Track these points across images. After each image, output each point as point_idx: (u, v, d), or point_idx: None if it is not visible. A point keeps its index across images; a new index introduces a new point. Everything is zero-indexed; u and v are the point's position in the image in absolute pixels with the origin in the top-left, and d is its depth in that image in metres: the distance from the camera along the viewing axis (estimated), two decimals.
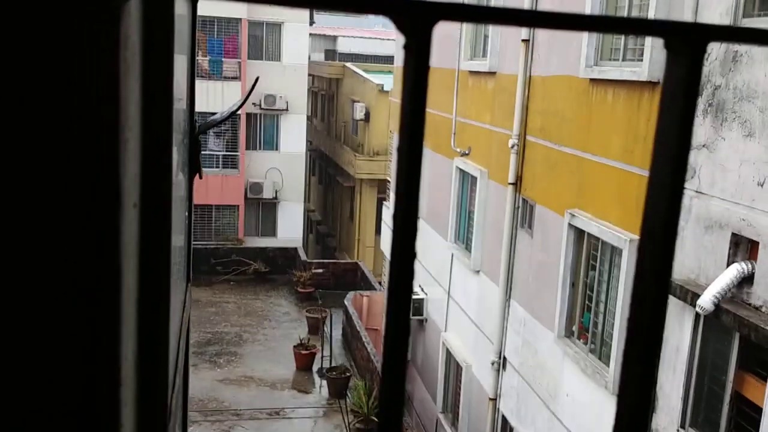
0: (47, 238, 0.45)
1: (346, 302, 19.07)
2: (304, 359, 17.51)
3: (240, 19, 25.29)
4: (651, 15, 7.29)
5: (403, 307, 0.47)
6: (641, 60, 7.55)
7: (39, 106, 0.41)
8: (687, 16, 6.75)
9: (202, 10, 24.31)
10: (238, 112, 25.10)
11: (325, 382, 16.68)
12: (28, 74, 0.41)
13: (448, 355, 13.16)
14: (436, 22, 0.45)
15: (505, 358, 10.85)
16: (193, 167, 1.63)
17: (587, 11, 8.49)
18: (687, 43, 0.48)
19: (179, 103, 1.42)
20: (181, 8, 1.28)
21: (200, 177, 1.71)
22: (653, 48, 7.23)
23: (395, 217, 0.48)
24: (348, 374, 16.56)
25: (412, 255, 0.49)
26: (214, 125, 2.15)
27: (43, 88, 0.42)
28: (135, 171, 0.58)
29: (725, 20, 6.31)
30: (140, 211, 0.61)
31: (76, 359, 0.47)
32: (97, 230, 0.45)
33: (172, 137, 0.76)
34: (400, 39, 0.47)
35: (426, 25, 0.45)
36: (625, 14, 8.03)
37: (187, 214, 1.65)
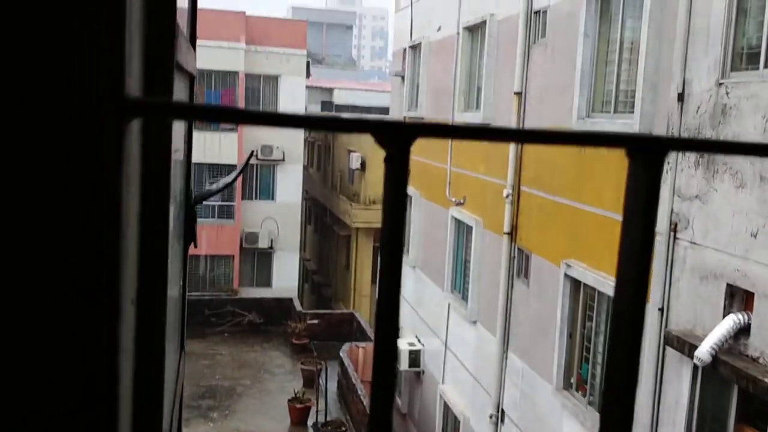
0: (45, 338, 0.47)
1: (341, 354, 18.88)
2: (298, 413, 17.23)
3: (237, 72, 25.67)
4: (641, 69, 7.43)
5: (390, 360, 0.48)
6: (632, 112, 7.67)
7: (43, 231, 0.43)
8: (676, 70, 6.89)
9: (200, 63, 24.71)
10: (233, 161, 25.28)
11: None
12: (34, 194, 0.43)
13: (446, 407, 12.98)
14: (413, 140, 0.48)
15: (503, 410, 10.72)
16: (189, 237, 1.65)
17: (578, 68, 8.66)
18: (647, 153, 0.51)
19: (177, 173, 1.45)
20: (178, 89, 1.32)
21: (195, 246, 1.73)
22: (644, 101, 7.36)
23: (376, 331, 0.50)
24: (344, 429, 16.28)
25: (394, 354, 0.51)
26: (209, 196, 2.18)
27: (43, 209, 0.44)
28: (132, 270, 0.60)
29: (713, 74, 6.43)
30: (137, 306, 0.63)
31: None
32: (96, 329, 0.47)
33: (169, 238, 0.78)
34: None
35: (404, 142, 0.48)
36: (615, 69, 8.19)
37: (181, 283, 1.66)
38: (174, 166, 1.39)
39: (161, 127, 0.69)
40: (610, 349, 0.56)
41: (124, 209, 0.47)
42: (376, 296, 0.53)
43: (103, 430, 0.49)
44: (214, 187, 2.55)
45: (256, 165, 26.67)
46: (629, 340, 0.54)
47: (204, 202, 25.77)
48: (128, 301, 0.59)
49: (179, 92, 1.22)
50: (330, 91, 34.58)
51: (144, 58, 0.70)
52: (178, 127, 1.48)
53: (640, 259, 0.52)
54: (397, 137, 0.48)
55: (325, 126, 0.50)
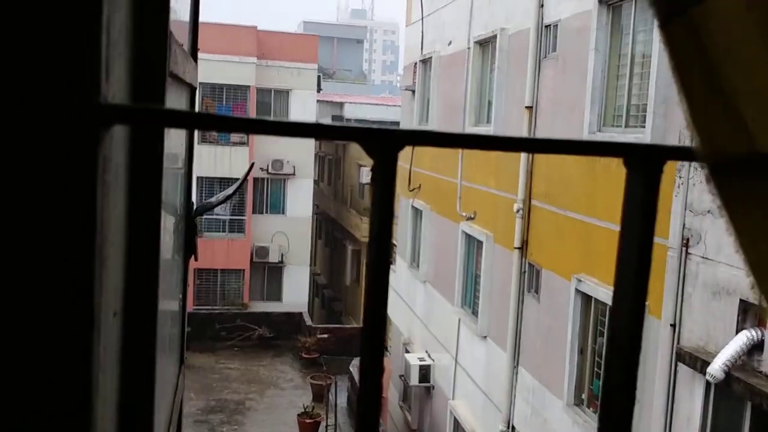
0: (15, 351, 0.45)
1: (351, 369, 18.81)
2: (308, 428, 17.16)
3: (248, 86, 25.83)
4: (652, 83, 7.41)
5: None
6: (644, 126, 7.64)
7: (13, 239, 0.42)
8: None
9: (212, 77, 24.88)
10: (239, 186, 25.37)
11: None
12: (3, 200, 0.42)
13: (456, 423, 12.88)
14: (401, 148, 0.47)
15: (513, 427, 10.61)
16: (189, 250, 1.64)
17: (589, 82, 8.64)
18: (645, 162, 0.50)
19: (177, 184, 1.44)
20: (177, 100, 1.32)
21: (195, 259, 1.71)
22: (655, 114, 7.33)
23: (363, 330, 0.49)
24: None
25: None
26: (210, 209, 2.18)
27: (13, 217, 0.43)
28: (117, 281, 0.59)
29: None
30: (122, 318, 0.61)
31: None
32: (70, 340, 0.45)
33: (159, 248, 0.76)
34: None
35: (392, 149, 0.47)
36: (626, 83, 8.17)
37: (181, 296, 1.65)
38: (174, 178, 1.39)
39: (150, 136, 0.68)
40: (606, 362, 0.54)
41: (101, 218, 0.46)
42: (363, 308, 0.52)
43: None
44: (214, 199, 2.56)
45: (267, 179, 26.77)
46: (627, 353, 0.52)
47: (215, 217, 25.90)
48: (110, 314, 0.58)
49: (176, 102, 1.22)
50: (341, 105, 34.73)
51: (133, 67, 0.69)
52: (179, 140, 1.47)
53: (638, 270, 0.50)
54: (384, 145, 0.47)
55: (311, 133, 0.48)
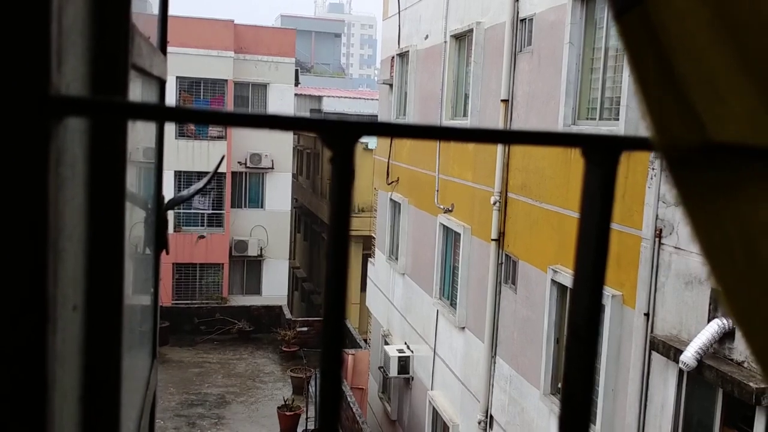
0: None
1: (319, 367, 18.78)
2: (288, 421, 17.16)
3: (226, 80, 25.65)
4: (626, 76, 7.48)
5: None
6: (617, 119, 7.72)
7: None
8: None
9: (189, 71, 24.67)
10: (222, 168, 25.20)
11: None
12: None
13: (435, 414, 12.96)
14: (357, 138, 0.49)
15: (491, 416, 10.71)
16: (160, 243, 1.64)
17: (563, 76, 8.71)
18: (602, 152, 0.51)
19: (147, 177, 1.44)
20: (147, 95, 1.32)
21: (167, 253, 1.72)
22: (629, 107, 7.41)
23: (325, 309, 0.50)
24: None
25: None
26: (181, 202, 2.17)
27: None
28: (76, 274, 0.59)
29: None
30: (84, 312, 0.62)
31: None
32: (23, 336, 0.46)
33: (123, 240, 0.77)
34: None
35: (348, 140, 0.48)
36: (600, 77, 8.25)
37: (153, 290, 1.65)
38: (142, 171, 1.39)
39: (110, 128, 0.68)
40: (567, 346, 0.56)
41: (56, 211, 0.47)
42: (323, 300, 0.53)
43: None
44: (185, 193, 2.55)
45: (246, 173, 26.64)
46: (585, 337, 0.53)
47: (193, 211, 25.72)
48: (69, 307, 0.58)
49: (143, 95, 1.22)
50: (319, 99, 34.61)
51: (91, 58, 0.69)
52: (148, 133, 1.47)
53: (596, 257, 0.52)
54: (340, 136, 0.48)
55: (269, 124, 0.49)
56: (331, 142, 0.47)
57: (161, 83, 1.54)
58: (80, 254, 0.61)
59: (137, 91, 1.09)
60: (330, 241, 0.49)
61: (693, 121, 0.47)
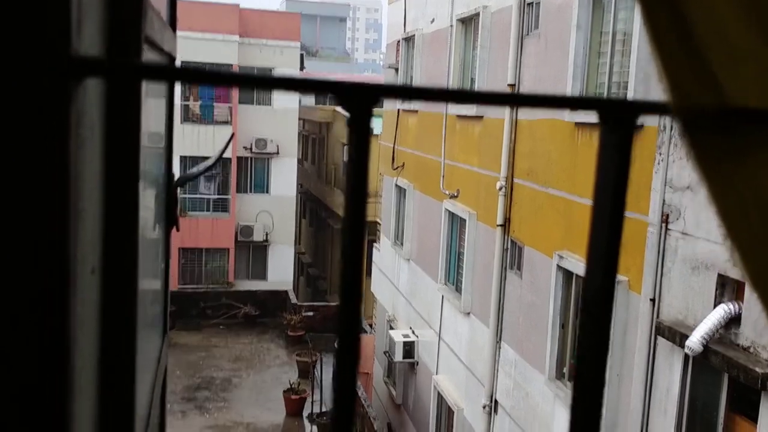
0: None
1: (336, 345, 18.86)
2: (294, 404, 17.27)
3: (231, 65, 25.59)
4: (633, 60, 7.43)
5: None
6: None
7: None
8: None
9: (195, 56, 24.63)
10: (227, 154, 25.21)
11: (315, 428, 16.42)
12: None
13: (440, 398, 13.02)
14: (375, 101, 0.48)
15: (496, 401, 10.75)
16: (170, 220, 1.65)
17: (570, 59, 8.66)
18: (619, 117, 0.51)
19: (157, 157, 1.45)
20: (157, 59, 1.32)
21: (177, 230, 1.73)
22: (636, 91, 7.37)
23: (341, 280, 0.50)
24: None
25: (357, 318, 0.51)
26: (190, 179, 2.18)
27: None
28: (94, 237, 0.60)
29: None
30: (101, 275, 0.62)
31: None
32: (44, 296, 0.46)
33: (138, 198, 0.77)
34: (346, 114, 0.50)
35: (366, 103, 0.48)
36: (608, 61, 8.20)
37: (164, 266, 1.66)
38: (153, 148, 1.39)
39: (126, 91, 0.68)
40: (582, 321, 0.55)
41: (76, 171, 0.47)
42: (339, 279, 0.52)
43: (56, 399, 0.49)
44: (195, 170, 2.56)
45: (251, 158, 26.64)
46: (600, 309, 0.53)
47: (199, 196, 25.76)
48: (87, 269, 0.59)
49: None
50: None
51: (106, 28, 0.69)
52: (159, 111, 1.47)
53: (612, 224, 0.51)
54: (358, 99, 0.48)
55: (285, 86, 0.49)
56: (349, 105, 0.47)
57: (171, 60, 1.54)
58: (98, 216, 0.62)
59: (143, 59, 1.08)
60: (348, 205, 0.49)
61: (710, 84, 0.47)
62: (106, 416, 0.70)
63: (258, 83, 0.47)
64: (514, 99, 0.52)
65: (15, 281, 0.46)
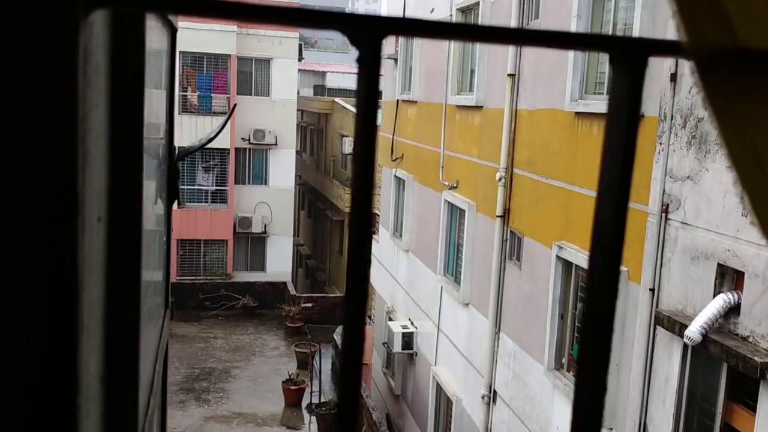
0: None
1: (335, 337, 18.93)
2: (293, 395, 17.31)
3: (229, 55, 25.52)
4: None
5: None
6: None
7: None
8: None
9: (192, 46, 24.55)
10: (226, 145, 25.17)
11: (314, 418, 16.46)
12: None
13: (438, 389, 13.04)
14: (385, 36, 0.47)
15: (495, 391, 10.77)
16: (172, 194, 1.64)
17: (570, 55, 8.62)
18: (630, 57, 0.50)
19: (158, 130, 1.43)
20: (159, 41, 1.31)
21: (179, 205, 1.72)
22: None
23: (351, 223, 0.49)
24: None
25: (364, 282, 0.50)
26: (192, 152, 2.17)
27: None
28: (100, 186, 0.59)
29: None
30: (107, 225, 0.61)
31: (28, 384, 0.47)
32: (53, 241, 0.45)
33: (143, 151, 0.76)
34: (354, 53, 0.48)
35: (376, 37, 0.47)
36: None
37: (165, 239, 1.65)
38: (157, 124, 1.38)
39: (133, 24, 0.67)
40: (587, 295, 0.53)
41: (83, 107, 0.46)
42: (348, 244, 0.51)
43: (65, 336, 0.48)
44: (197, 143, 2.54)
45: (249, 149, 26.59)
46: (610, 245, 0.51)
47: (197, 187, 25.72)
48: (94, 218, 0.58)
49: (159, 42, 1.20)
50: (323, 74, 34.44)
51: None
52: (159, 93, 1.46)
53: (623, 166, 0.50)
54: (368, 32, 0.47)
55: (290, 20, 0.48)
56: (358, 39, 0.45)
57: (173, 31, 1.53)
58: (103, 164, 0.61)
59: (153, 37, 1.07)
60: (356, 147, 0.48)
61: (724, 25, 0.46)
62: (112, 375, 0.69)
63: (261, 14, 0.46)
64: (531, 36, 0.50)
65: (21, 216, 0.45)
